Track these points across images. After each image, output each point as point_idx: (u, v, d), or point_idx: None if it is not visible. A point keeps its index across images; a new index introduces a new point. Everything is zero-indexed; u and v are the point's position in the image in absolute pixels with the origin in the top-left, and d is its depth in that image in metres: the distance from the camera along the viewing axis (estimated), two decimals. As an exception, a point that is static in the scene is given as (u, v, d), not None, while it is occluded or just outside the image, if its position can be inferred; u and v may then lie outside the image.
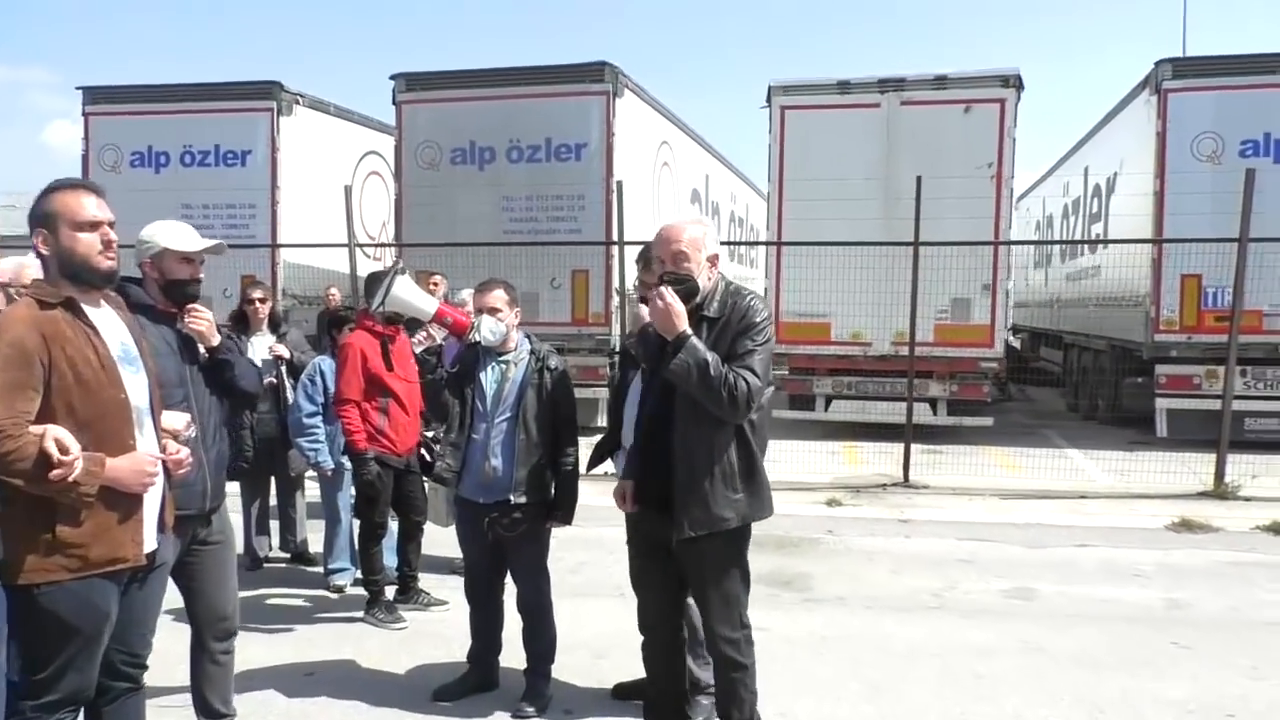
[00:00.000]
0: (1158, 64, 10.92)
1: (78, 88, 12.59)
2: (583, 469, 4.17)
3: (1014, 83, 11.23)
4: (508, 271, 9.00)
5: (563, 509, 4.08)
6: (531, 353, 4.09)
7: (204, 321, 3.30)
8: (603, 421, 11.40)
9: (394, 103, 11.96)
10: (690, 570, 3.31)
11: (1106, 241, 12.10)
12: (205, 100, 12.50)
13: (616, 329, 11.04)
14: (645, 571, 3.51)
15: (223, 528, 3.47)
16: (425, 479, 5.20)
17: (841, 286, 10.65)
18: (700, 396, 3.07)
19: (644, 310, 3.82)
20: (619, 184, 9.56)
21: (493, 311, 4.02)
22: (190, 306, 3.31)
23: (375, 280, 4.38)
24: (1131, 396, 11.81)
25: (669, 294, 3.07)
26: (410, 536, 5.42)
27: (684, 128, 14.75)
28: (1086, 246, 14.48)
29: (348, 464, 5.48)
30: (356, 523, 5.46)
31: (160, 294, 3.31)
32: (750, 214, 19.64)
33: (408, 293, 4.07)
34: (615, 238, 9.99)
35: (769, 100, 11.86)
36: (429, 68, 12.15)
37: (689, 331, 3.07)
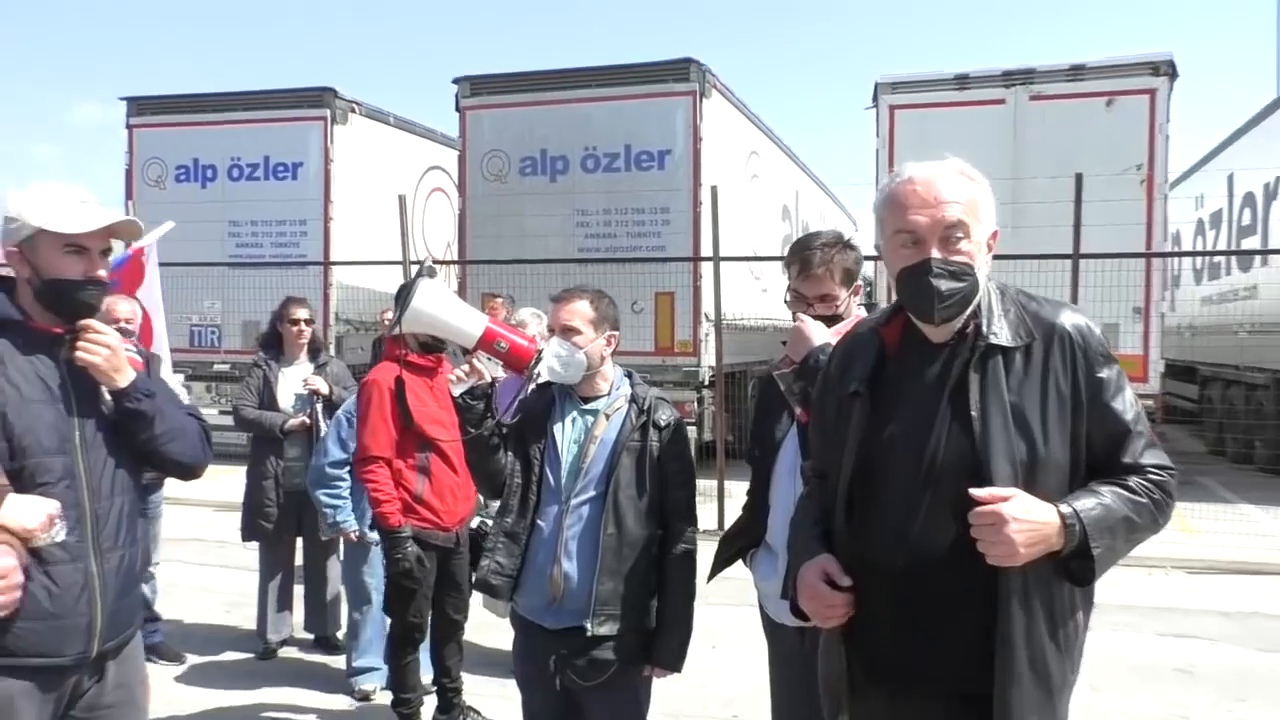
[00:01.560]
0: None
1: (121, 98, 11.75)
2: (701, 578, 2.78)
3: (1165, 70, 9.67)
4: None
5: (668, 648, 2.67)
6: (632, 401, 2.74)
7: (101, 349, 2.04)
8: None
9: (457, 109, 10.87)
10: None
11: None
12: (254, 109, 11.53)
13: (708, 359, 9.70)
14: None
15: (125, 679, 2.19)
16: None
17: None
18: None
19: (808, 325, 2.50)
20: (714, 189, 8.19)
21: (567, 332, 2.69)
22: (83, 324, 2.06)
23: (404, 293, 3.09)
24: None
25: (1021, 516, 1.68)
26: (448, 636, 4.07)
27: (773, 137, 13.41)
28: (1236, 266, 12.70)
29: (375, 536, 4.19)
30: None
31: (35, 302, 2.06)
32: (839, 234, 18.14)
33: (437, 304, 2.67)
34: (706, 253, 8.64)
35: (875, 99, 10.50)
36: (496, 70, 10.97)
37: (1077, 509, 1.72)
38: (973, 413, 1.77)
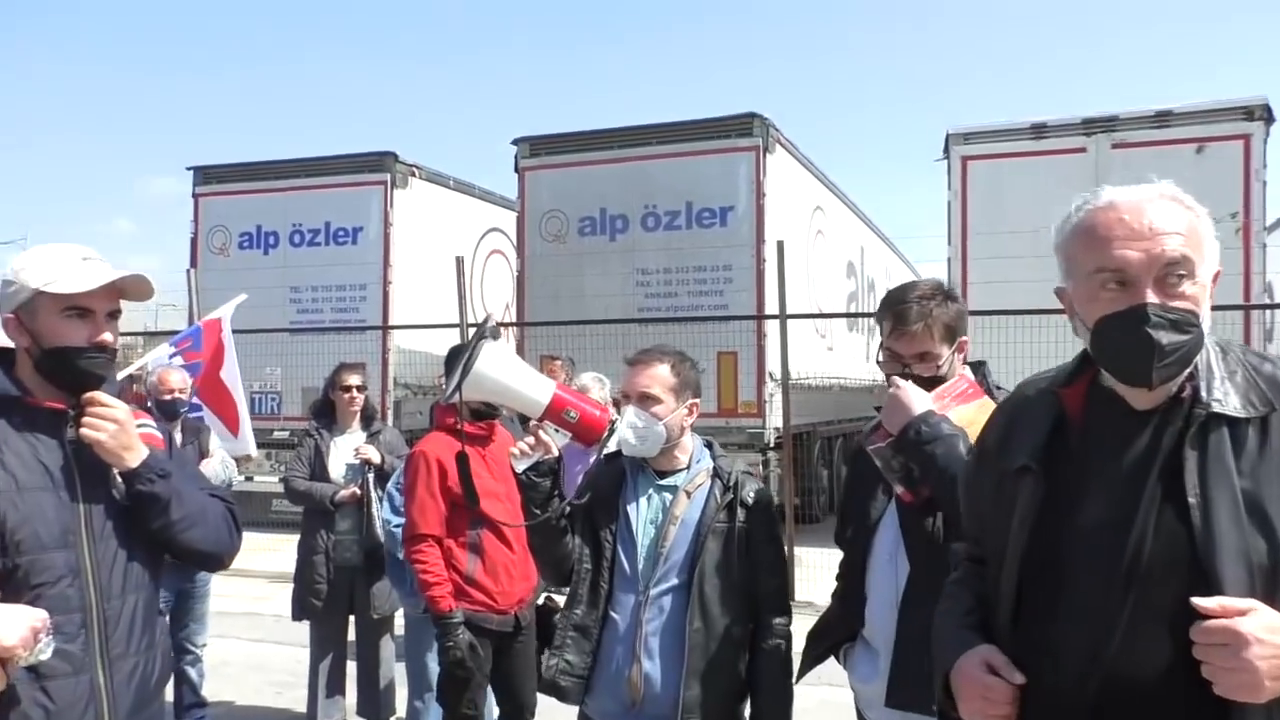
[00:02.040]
0: None
1: (188, 168, 11.93)
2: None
3: (1261, 114, 9.20)
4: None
5: None
6: (715, 475, 2.39)
7: (108, 425, 1.77)
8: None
9: (516, 170, 10.80)
10: None
11: None
12: (315, 175, 11.61)
13: (773, 419, 9.30)
14: None
15: None
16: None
17: (1040, 364, 8.61)
18: None
19: (906, 392, 2.13)
20: (780, 244, 7.89)
21: (644, 400, 2.35)
22: (88, 397, 1.80)
23: (457, 357, 2.79)
24: None
25: None
26: (515, 733, 3.71)
27: (837, 192, 13.12)
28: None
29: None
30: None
31: (34, 373, 1.80)
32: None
33: (501, 368, 2.31)
34: (772, 310, 8.31)
35: (946, 150, 10.15)
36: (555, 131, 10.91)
37: None
38: (1190, 498, 1.37)
